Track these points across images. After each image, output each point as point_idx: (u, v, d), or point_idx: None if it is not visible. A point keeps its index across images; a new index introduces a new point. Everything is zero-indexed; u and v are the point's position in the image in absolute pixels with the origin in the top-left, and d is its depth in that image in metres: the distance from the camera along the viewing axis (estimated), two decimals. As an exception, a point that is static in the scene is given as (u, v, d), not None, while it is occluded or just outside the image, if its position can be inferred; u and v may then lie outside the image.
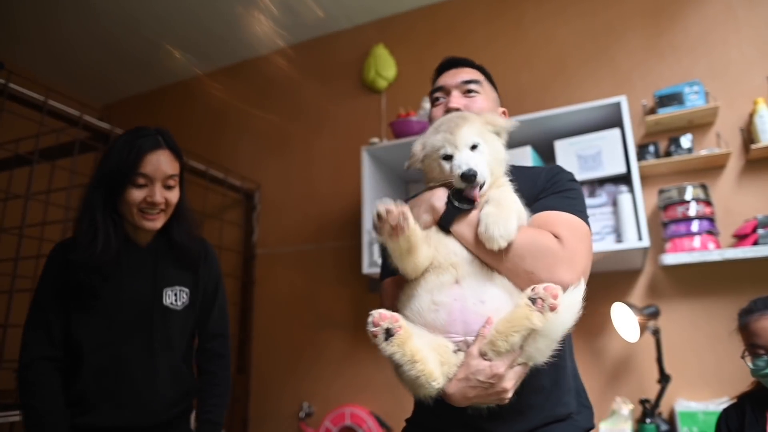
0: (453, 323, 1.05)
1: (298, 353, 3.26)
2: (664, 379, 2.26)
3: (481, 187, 1.10)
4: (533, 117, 2.44)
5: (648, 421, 2.20)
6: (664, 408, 2.34)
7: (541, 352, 1.01)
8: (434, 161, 1.17)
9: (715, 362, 2.30)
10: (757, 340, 1.60)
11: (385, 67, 3.37)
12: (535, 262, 1.04)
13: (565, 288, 1.00)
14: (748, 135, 2.44)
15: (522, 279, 1.05)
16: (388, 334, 0.99)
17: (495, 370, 0.99)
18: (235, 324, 3.44)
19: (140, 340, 1.58)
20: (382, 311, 1.00)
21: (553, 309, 0.95)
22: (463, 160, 1.10)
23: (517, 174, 1.25)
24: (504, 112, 1.45)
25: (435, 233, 1.12)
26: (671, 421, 2.30)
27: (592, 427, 1.23)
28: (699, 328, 2.39)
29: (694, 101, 2.48)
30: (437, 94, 1.41)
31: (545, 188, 1.24)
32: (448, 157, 1.13)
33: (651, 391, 2.35)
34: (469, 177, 1.07)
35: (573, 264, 1.05)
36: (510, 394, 1.02)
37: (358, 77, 3.53)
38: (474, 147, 1.13)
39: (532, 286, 0.98)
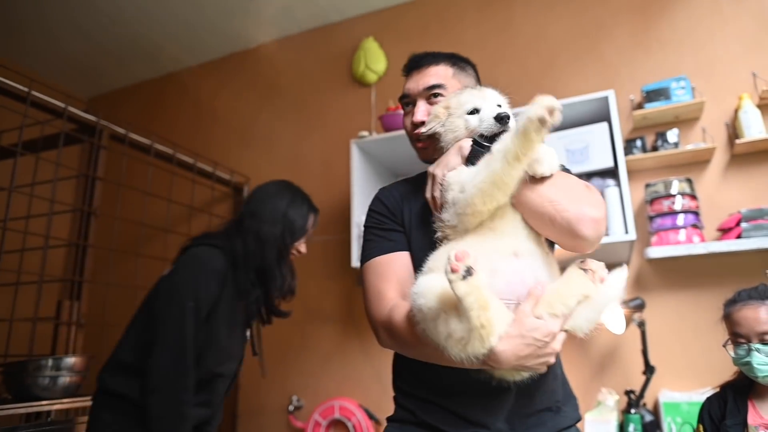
0: (511, 292, 1.02)
1: (286, 347, 3.25)
2: (648, 370, 2.29)
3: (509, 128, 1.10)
4: (522, 111, 2.44)
5: (633, 411, 2.23)
6: (648, 398, 2.37)
7: (589, 322, 1.03)
8: (459, 118, 1.17)
9: (699, 353, 2.34)
10: (738, 329, 1.65)
11: (374, 60, 3.36)
12: (563, 192, 1.04)
13: (589, 220, 1.02)
14: (733, 130, 2.47)
15: (545, 210, 1.03)
16: (468, 273, 0.90)
17: (551, 327, 0.98)
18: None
19: None
20: (465, 249, 0.92)
21: (602, 281, 1.01)
22: (496, 107, 1.14)
23: None
24: None
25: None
26: (656, 411, 2.34)
27: (580, 419, 1.24)
28: (683, 320, 2.42)
29: (681, 96, 2.51)
30: (404, 101, 1.38)
31: None
32: (475, 112, 1.15)
33: (636, 382, 2.38)
34: (503, 118, 1.09)
35: (596, 205, 1.05)
36: (553, 360, 1.02)
37: (348, 71, 3.51)
38: (499, 107, 1.16)
39: (581, 259, 1.03)
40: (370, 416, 2.84)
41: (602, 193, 2.38)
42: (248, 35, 3.80)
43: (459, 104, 1.17)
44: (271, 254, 1.88)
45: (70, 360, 2.17)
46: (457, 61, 1.38)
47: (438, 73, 1.33)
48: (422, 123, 1.27)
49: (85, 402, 2.14)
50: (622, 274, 1.06)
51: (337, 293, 3.19)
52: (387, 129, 2.83)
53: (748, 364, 1.60)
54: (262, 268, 1.88)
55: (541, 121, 0.93)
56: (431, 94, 1.32)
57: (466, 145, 1.11)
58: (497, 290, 1.00)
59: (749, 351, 1.60)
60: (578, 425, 1.24)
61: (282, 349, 3.27)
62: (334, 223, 3.28)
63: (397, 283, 1.21)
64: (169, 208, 3.07)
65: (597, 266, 1.02)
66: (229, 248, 1.83)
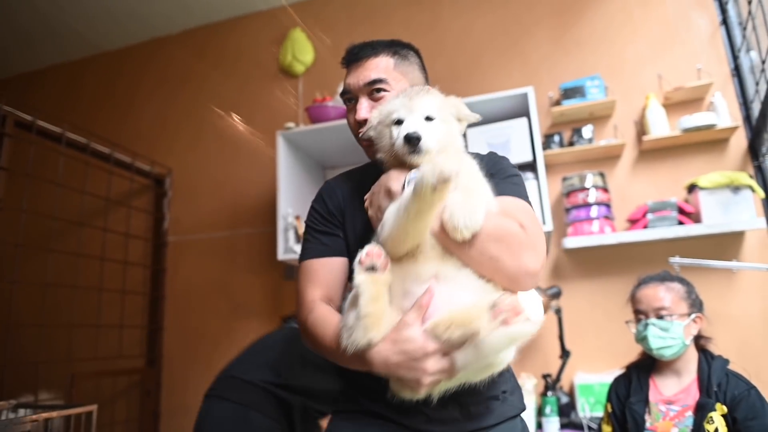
0: None
1: (212, 343, 3.17)
2: (564, 354, 2.41)
3: (419, 150, 1.05)
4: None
5: (549, 394, 2.34)
6: (564, 381, 2.50)
7: (467, 364, 0.95)
8: (386, 127, 1.11)
9: (610, 337, 2.48)
10: (638, 306, 1.81)
11: (302, 51, 3.32)
12: (501, 248, 0.99)
13: (529, 272, 1.00)
14: (641, 127, 2.64)
15: (487, 267, 1.01)
16: (372, 268, 0.97)
17: (425, 345, 0.94)
18: (145, 314, 3.30)
19: None
20: (378, 250, 0.99)
21: (505, 323, 0.90)
22: (412, 124, 1.05)
23: None
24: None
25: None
26: (571, 393, 2.47)
27: (525, 408, 1.23)
28: (596, 306, 2.56)
29: (595, 95, 2.64)
30: (346, 97, 1.31)
31: (491, 173, 1.17)
32: (400, 123, 1.08)
33: (553, 366, 2.50)
34: (412, 139, 1.03)
35: (536, 250, 1.02)
36: (426, 382, 0.95)
37: (274, 61, 3.45)
38: (429, 119, 1.09)
39: (501, 293, 0.95)
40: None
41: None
42: (171, 20, 3.65)
43: (387, 113, 1.12)
44: None
45: (-31, 363, 2.02)
46: (398, 49, 1.30)
47: (378, 66, 1.26)
48: (365, 121, 1.21)
49: (-13, 407, 1.99)
50: (522, 331, 0.91)
51: (264, 287, 3.14)
52: (314, 121, 2.81)
53: (645, 338, 1.73)
54: None
55: (434, 188, 0.91)
56: (373, 89, 1.24)
57: (396, 187, 1.07)
58: (405, 310, 1.01)
59: (646, 326, 1.73)
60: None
61: (206, 346, 3.18)
62: (260, 215, 3.22)
63: (324, 287, 1.19)
64: (84, 201, 2.91)
65: (512, 309, 0.91)
66: None
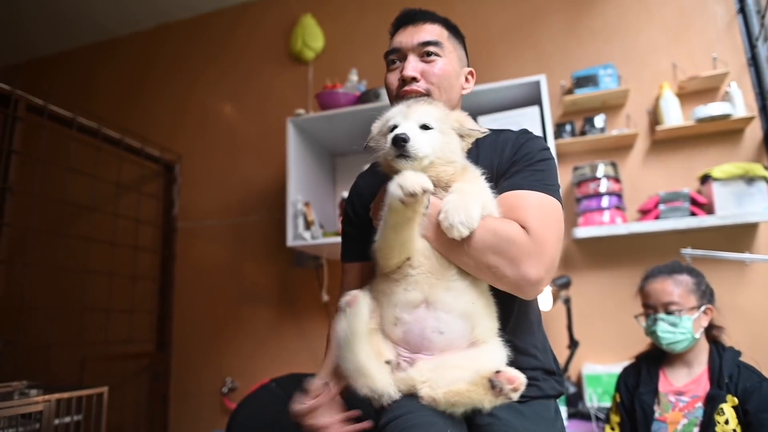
0: (406, 343, 1.05)
1: (220, 328, 3.19)
2: (573, 344, 2.41)
3: (407, 153, 1.01)
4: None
5: (558, 384, 2.33)
6: (572, 371, 2.50)
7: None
8: (383, 136, 1.09)
9: (619, 328, 2.47)
10: (647, 300, 1.79)
11: (312, 37, 3.30)
12: (499, 256, 0.98)
13: (530, 282, 0.98)
14: (654, 117, 2.60)
15: (486, 275, 1.00)
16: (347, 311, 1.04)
17: None
18: (155, 299, 3.32)
19: None
20: (355, 296, 1.04)
21: (508, 398, 0.92)
22: (403, 128, 1.03)
23: (483, 140, 1.19)
24: (471, 73, 1.34)
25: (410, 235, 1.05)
26: (579, 383, 2.46)
27: (562, 392, 1.22)
28: (606, 297, 2.55)
29: (608, 83, 2.61)
30: (392, 56, 1.27)
31: (514, 160, 1.15)
32: (395, 129, 1.06)
33: (561, 356, 2.49)
34: (398, 140, 0.99)
35: (540, 256, 0.99)
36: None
37: (285, 47, 3.44)
38: (426, 127, 1.06)
39: (497, 370, 0.92)
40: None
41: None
42: (181, 5, 3.64)
43: (385, 120, 1.12)
44: None
45: (-18, 344, 2.05)
46: (451, 26, 1.31)
47: (434, 31, 1.25)
48: (413, 79, 1.19)
49: (3, 388, 2.02)
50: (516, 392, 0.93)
51: (273, 274, 3.15)
52: (323, 107, 2.79)
53: (654, 333, 1.72)
54: None
55: (403, 202, 0.91)
56: (425, 51, 1.22)
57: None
58: (394, 338, 1.05)
59: (655, 321, 1.72)
60: None
61: (216, 331, 3.20)
62: (269, 202, 3.22)
63: (357, 286, 1.23)
64: (95, 186, 2.92)
65: (511, 385, 0.91)
66: None
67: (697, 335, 1.70)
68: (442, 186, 1.06)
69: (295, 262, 3.02)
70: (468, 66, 1.35)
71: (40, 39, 3.95)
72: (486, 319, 1.06)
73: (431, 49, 1.22)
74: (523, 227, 1.01)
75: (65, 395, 1.70)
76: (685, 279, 1.75)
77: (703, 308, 1.71)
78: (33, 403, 1.62)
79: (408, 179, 0.90)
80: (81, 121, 2.83)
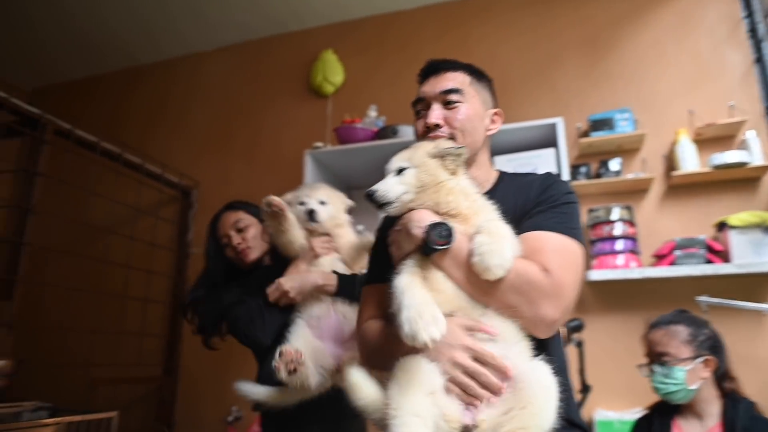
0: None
1: (228, 355, 3.17)
2: (585, 389, 2.37)
3: (384, 204, 1.11)
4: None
5: (568, 429, 2.29)
6: (584, 417, 2.45)
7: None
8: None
9: (632, 374, 2.40)
10: (648, 349, 1.81)
11: (332, 72, 3.38)
12: (519, 297, 1.00)
13: (545, 322, 1.00)
14: (670, 162, 2.61)
15: (507, 313, 1.02)
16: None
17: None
18: (165, 323, 3.33)
19: None
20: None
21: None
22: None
23: (508, 182, 1.24)
24: (497, 113, 1.39)
25: (431, 273, 1.06)
26: (590, 429, 2.42)
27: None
28: (619, 342, 2.52)
29: (624, 127, 2.63)
30: (418, 107, 1.33)
31: (538, 201, 1.18)
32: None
33: (572, 401, 2.45)
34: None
35: (558, 298, 1.01)
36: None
37: (305, 81, 3.51)
38: (401, 170, 1.13)
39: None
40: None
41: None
42: (205, 37, 3.75)
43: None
44: None
45: (-2, 363, 2.07)
46: (474, 71, 1.37)
47: (456, 78, 1.31)
48: (436, 126, 1.25)
49: (13, 408, 2.03)
50: None
51: (284, 303, 3.15)
52: (342, 141, 2.84)
53: (652, 383, 1.72)
54: None
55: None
56: (447, 99, 1.28)
57: (414, 231, 1.08)
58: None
59: (652, 371, 1.72)
60: None
61: (223, 358, 3.19)
62: (284, 232, 3.24)
63: (374, 308, 1.26)
64: (113, 209, 2.97)
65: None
66: None
67: (693, 386, 1.68)
68: (442, 213, 1.10)
69: (306, 293, 3.02)
70: (495, 107, 1.40)
71: (69, 63, 4.07)
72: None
73: (452, 97, 1.28)
74: (543, 268, 1.03)
75: (77, 418, 1.71)
76: (681, 330, 1.75)
77: (700, 360, 1.69)
78: (43, 425, 1.63)
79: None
80: (104, 146, 2.90)
